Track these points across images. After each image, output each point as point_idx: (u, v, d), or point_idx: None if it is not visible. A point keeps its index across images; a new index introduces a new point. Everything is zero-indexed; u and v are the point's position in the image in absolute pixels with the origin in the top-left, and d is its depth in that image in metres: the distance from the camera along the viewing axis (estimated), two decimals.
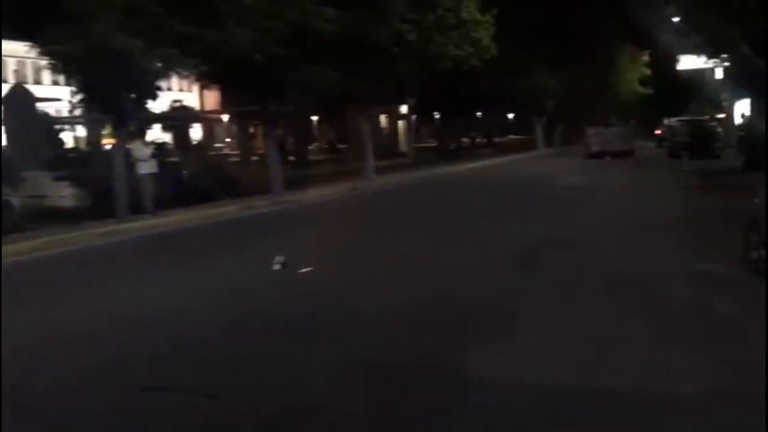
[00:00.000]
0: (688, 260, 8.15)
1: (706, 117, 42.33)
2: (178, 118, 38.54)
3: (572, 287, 7.09)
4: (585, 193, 17.12)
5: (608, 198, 16.13)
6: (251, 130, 41.01)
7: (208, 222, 13.94)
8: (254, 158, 35.31)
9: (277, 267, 8.23)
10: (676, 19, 34.19)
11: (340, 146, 45.13)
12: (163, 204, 14.30)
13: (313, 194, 18.19)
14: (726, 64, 33.91)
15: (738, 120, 43.64)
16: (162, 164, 15.63)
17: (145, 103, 14.75)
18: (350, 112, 38.14)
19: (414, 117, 42.98)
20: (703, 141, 29.75)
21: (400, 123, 43.09)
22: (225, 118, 46.08)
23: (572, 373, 4.60)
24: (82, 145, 33.87)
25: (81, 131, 35.96)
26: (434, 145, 49.59)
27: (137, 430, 4.04)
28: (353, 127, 40.00)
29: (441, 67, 22.32)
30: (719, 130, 35.34)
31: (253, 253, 9.89)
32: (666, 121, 49.92)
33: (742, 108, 46.84)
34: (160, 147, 23.84)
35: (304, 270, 8.10)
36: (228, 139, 51.29)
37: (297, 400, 4.31)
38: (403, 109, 40.44)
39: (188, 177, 18.47)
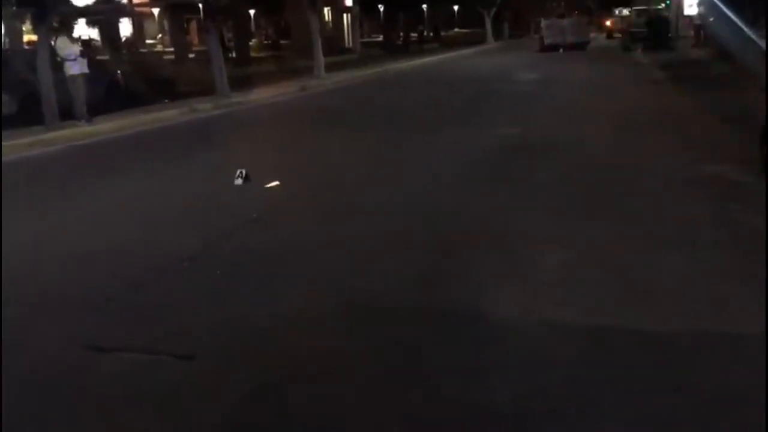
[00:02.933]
0: (690, 163, 7.55)
1: (662, 6, 41.51)
2: (104, 12, 35.50)
3: (567, 201, 6.37)
4: (548, 88, 16.38)
5: (574, 94, 15.42)
6: (185, 25, 38.36)
7: (149, 128, 12.63)
8: (191, 56, 33.13)
9: (238, 182, 7.28)
10: None
11: (282, 42, 42.93)
12: (96, 109, 12.89)
13: (261, 94, 16.87)
14: None
15: (692, 11, 43.05)
16: (92, 64, 14.05)
17: None
18: (292, 5, 35.93)
19: (358, 10, 40.91)
20: (660, 32, 29.10)
21: (345, 16, 40.94)
22: (156, 12, 42.92)
23: (594, 309, 3.94)
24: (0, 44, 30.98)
25: None
26: (380, 40, 47.76)
27: (88, 403, 3.19)
28: (295, 21, 37.88)
29: None
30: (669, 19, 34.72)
31: (206, 164, 8.83)
32: (617, 12, 49.13)
33: None
34: (87, 44, 21.80)
35: (271, 185, 7.17)
36: (159, 36, 48.11)
37: (285, 356, 3.53)
38: (347, 1, 38.32)
39: (122, 78, 16.88)
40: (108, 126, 12.39)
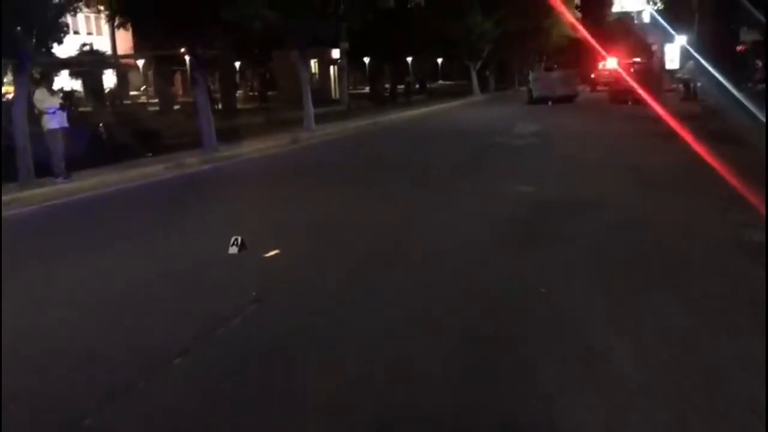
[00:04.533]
0: (733, 226, 6.84)
1: (652, 60, 41.84)
2: (88, 63, 34.98)
3: (616, 271, 5.60)
4: (549, 142, 15.81)
5: (577, 147, 14.83)
6: (170, 76, 37.88)
7: (131, 185, 11.76)
8: (176, 107, 32.54)
9: (233, 250, 6.44)
10: None
11: (269, 93, 42.57)
12: (76, 164, 12.05)
13: (251, 147, 16.12)
14: (658, 6, 33.36)
15: (673, 65, 43.63)
16: (73, 117, 13.29)
17: (49, 44, 12.31)
18: (279, 57, 35.60)
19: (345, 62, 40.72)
20: (649, 85, 29.09)
21: (332, 68, 40.72)
22: (140, 63, 42.50)
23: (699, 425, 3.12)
24: None
25: None
26: (366, 91, 47.62)
27: None
28: (281, 72, 37.54)
29: (384, 6, 20.42)
30: (654, 73, 34.86)
31: (195, 227, 7.97)
32: (601, 65, 49.57)
33: (671, 51, 46.96)
34: (68, 96, 21.07)
35: (270, 254, 6.34)
36: (144, 87, 47.62)
37: None
38: (335, 53, 38.11)
39: (104, 131, 16.12)
40: (88, 183, 11.53)
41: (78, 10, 14.40)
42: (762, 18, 19.60)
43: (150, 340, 4.46)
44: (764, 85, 19.30)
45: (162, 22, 15.60)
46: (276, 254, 6.34)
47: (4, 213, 9.42)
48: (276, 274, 5.85)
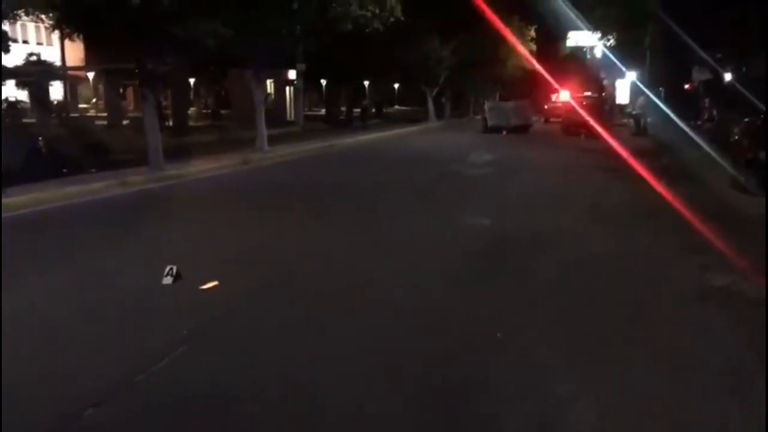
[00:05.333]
0: (694, 268, 6.66)
1: (604, 95, 42.63)
2: (34, 74, 33.79)
3: (576, 317, 5.32)
4: (505, 171, 15.67)
5: (534, 178, 14.74)
6: (121, 90, 36.94)
7: (68, 203, 11.05)
8: (125, 122, 31.59)
9: (167, 280, 5.94)
10: None
11: (222, 111, 41.95)
12: (11, 179, 11.33)
13: (200, 168, 15.54)
14: (611, 42, 34.06)
15: (623, 100, 44.58)
16: (14, 127, 12.54)
17: None
18: (234, 75, 35.05)
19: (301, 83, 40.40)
20: (601, 118, 29.55)
21: (288, 89, 40.31)
22: (91, 75, 41.36)
23: None
24: None
25: None
26: (322, 113, 47.37)
27: None
28: (236, 91, 36.94)
29: (342, 29, 20.13)
30: (606, 107, 35.61)
31: (129, 253, 7.41)
32: (554, 97, 50.40)
33: (622, 86, 48.01)
34: (12, 106, 20.14)
35: (208, 285, 5.86)
36: (94, 100, 46.34)
37: None
38: (291, 74, 37.75)
39: (45, 144, 15.32)
40: (21, 200, 10.80)
41: (17, 18, 13.72)
42: (709, 59, 20.03)
43: (59, 387, 3.94)
44: (711, 123, 19.70)
45: (111, 34, 15.03)
46: (214, 286, 5.87)
47: None
48: (212, 309, 5.37)
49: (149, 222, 9.49)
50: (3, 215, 9.90)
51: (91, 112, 42.26)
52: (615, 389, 3.95)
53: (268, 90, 39.68)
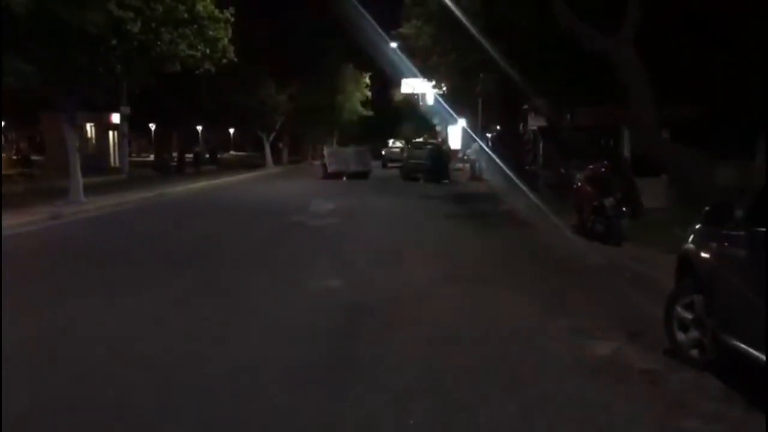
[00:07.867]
0: (568, 335, 6.01)
1: (440, 141, 43.64)
2: None
3: (453, 412, 4.37)
4: (350, 222, 14.84)
5: (381, 229, 14.00)
6: None
7: None
8: None
9: None
10: (394, 45, 34.59)
11: (35, 158, 38.08)
12: None
13: None
14: (443, 90, 35.13)
15: (457, 145, 46.14)
16: None
17: None
18: (47, 118, 31.80)
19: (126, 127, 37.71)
20: (440, 165, 30.06)
21: (111, 134, 37.40)
22: None
23: None
24: None
25: None
26: (151, 159, 44.57)
27: None
28: (50, 136, 33.54)
29: (169, 70, 18.63)
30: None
31: None
32: (390, 142, 51.19)
33: (453, 132, 49.81)
34: None
35: None
36: None
37: None
38: (114, 117, 35.04)
39: None
40: None
41: None
42: (544, 106, 20.73)
43: None
44: (549, 171, 20.36)
45: None
46: None
47: None
48: None
49: None
50: None
51: None
52: None
53: (89, 134, 36.61)
